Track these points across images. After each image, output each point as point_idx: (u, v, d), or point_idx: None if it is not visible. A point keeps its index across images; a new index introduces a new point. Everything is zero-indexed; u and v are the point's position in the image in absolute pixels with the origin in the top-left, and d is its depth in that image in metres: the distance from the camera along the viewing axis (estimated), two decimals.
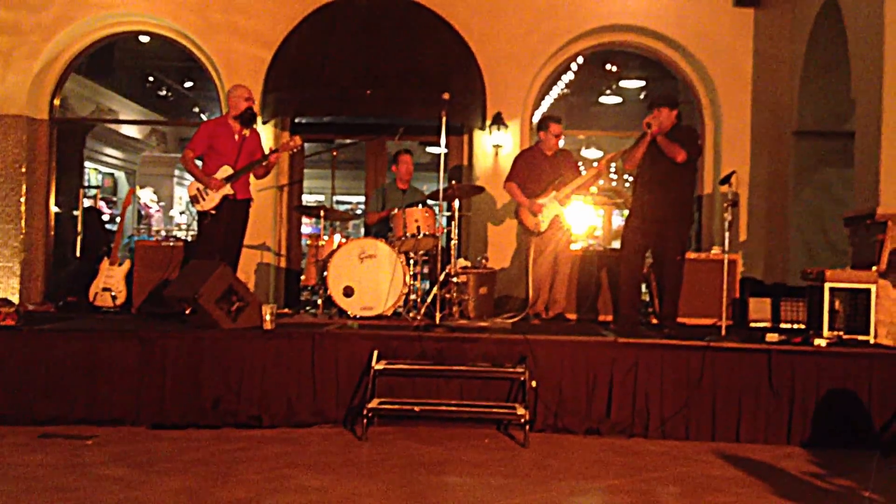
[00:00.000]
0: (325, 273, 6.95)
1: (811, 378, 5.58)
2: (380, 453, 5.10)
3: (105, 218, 11.59)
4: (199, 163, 7.01)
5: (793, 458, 5.22)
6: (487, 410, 5.61)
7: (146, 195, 14.30)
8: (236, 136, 7.03)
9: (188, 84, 13.92)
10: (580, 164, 7.68)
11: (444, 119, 6.56)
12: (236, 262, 7.07)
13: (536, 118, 9.32)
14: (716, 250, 7.81)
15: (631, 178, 7.20)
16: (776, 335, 6.09)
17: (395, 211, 7.21)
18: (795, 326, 7.03)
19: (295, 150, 7.35)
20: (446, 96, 6.48)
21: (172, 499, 4.14)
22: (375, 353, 5.70)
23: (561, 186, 7.22)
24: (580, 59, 9.86)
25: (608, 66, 11.59)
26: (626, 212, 7.24)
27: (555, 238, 7.29)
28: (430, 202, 7.66)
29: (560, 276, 7.37)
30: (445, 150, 6.85)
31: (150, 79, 13.93)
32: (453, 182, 7.12)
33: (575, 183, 7.24)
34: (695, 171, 6.96)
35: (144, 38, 10.09)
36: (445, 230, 7.34)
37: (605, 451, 5.30)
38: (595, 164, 7.43)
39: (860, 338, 6.11)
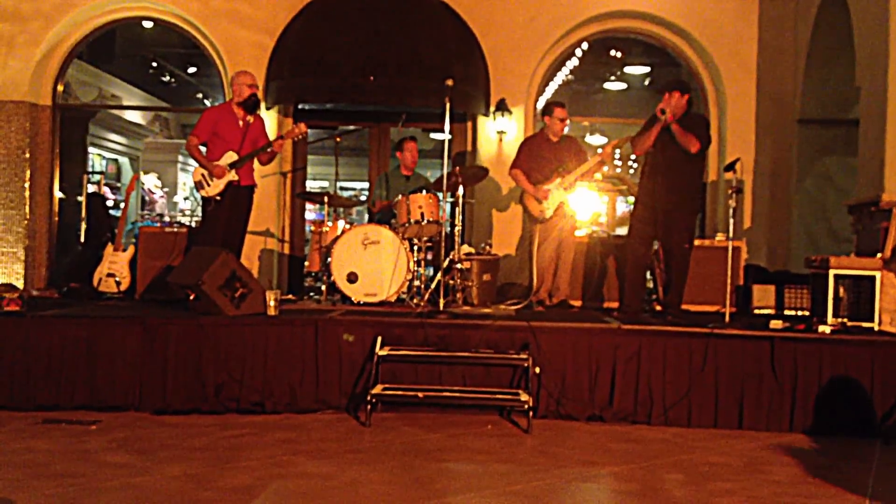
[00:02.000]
0: (329, 259, 6.95)
1: (814, 365, 5.57)
2: (383, 439, 5.11)
3: (109, 204, 11.60)
4: (203, 149, 7.00)
5: (795, 446, 5.22)
6: (490, 397, 5.61)
7: (150, 181, 14.30)
8: (240, 123, 7.01)
9: (191, 70, 13.90)
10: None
11: (447, 105, 6.53)
12: (240, 249, 7.07)
13: (541, 105, 9.29)
14: (720, 237, 7.81)
15: (635, 165, 7.15)
16: (780, 322, 6.07)
17: (399, 197, 7.20)
18: (799, 313, 7.02)
19: (300, 138, 7.34)
20: (450, 83, 6.46)
21: (175, 484, 4.15)
22: (379, 339, 5.71)
23: (566, 173, 7.19)
24: (585, 46, 9.83)
25: (613, 53, 11.55)
26: (631, 198, 7.21)
27: (559, 225, 7.27)
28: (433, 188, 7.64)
29: (564, 263, 7.35)
30: (449, 137, 6.84)
31: (154, 65, 13.89)
32: (457, 168, 7.08)
33: (580, 169, 7.21)
34: (704, 160, 6.91)
35: (147, 24, 10.07)
36: (448, 217, 7.33)
37: (607, 437, 5.30)
38: (599, 150, 7.40)
39: (864, 325, 6.09)
